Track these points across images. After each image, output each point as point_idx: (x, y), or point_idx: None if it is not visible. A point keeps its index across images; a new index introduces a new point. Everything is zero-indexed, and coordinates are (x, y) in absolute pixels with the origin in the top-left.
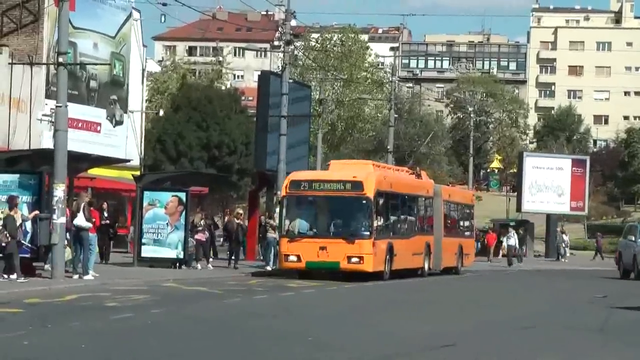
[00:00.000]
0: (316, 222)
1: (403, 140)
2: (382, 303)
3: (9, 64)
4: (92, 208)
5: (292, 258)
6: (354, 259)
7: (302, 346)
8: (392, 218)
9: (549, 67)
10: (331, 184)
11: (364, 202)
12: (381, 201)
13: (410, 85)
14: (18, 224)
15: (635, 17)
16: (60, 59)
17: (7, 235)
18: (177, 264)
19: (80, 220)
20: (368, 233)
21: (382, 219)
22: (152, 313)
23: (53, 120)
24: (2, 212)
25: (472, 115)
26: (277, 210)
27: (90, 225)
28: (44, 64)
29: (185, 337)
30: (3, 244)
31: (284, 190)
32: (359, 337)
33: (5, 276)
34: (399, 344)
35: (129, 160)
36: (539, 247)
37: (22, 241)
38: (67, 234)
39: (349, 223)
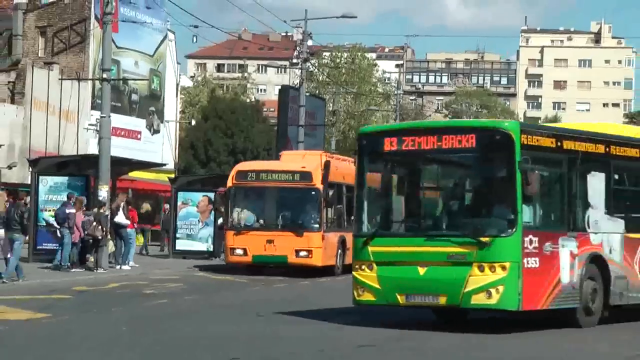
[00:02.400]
0: (264, 214)
1: None
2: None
3: (59, 79)
4: (130, 207)
5: (239, 252)
6: (302, 253)
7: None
8: (345, 210)
9: (536, 82)
10: (279, 174)
11: (313, 193)
12: (332, 192)
13: (413, 98)
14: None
15: (613, 37)
16: (105, 75)
17: (102, 229)
18: (207, 256)
19: (119, 217)
20: (317, 225)
21: (332, 211)
22: (185, 299)
23: (98, 129)
24: (52, 210)
25: None
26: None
27: (128, 222)
28: (90, 79)
29: (214, 320)
30: (99, 237)
31: (231, 180)
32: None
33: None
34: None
35: (164, 164)
36: None
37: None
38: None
39: (298, 215)
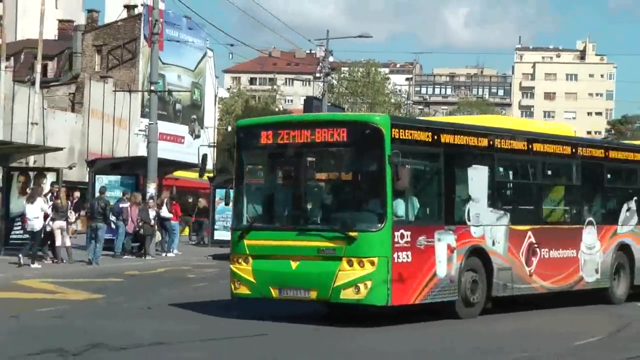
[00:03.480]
0: None
1: None
2: None
3: (113, 91)
4: (173, 202)
5: None
6: None
7: None
8: None
9: (528, 94)
10: None
11: None
12: None
13: (421, 107)
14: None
15: (596, 55)
16: (152, 88)
17: (144, 221)
18: None
19: (164, 211)
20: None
21: None
22: (220, 283)
23: (146, 134)
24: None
25: None
26: None
27: (171, 215)
28: (139, 91)
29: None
30: (141, 232)
31: None
32: None
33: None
34: None
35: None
36: None
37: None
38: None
39: None
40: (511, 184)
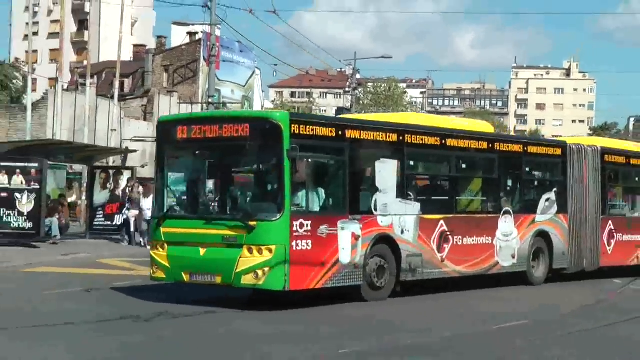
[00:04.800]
0: None
1: None
2: None
3: (178, 103)
4: None
5: None
6: None
7: None
8: None
9: (523, 105)
10: None
11: None
12: None
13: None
14: None
15: (580, 72)
16: (210, 100)
17: None
18: None
19: None
20: None
21: None
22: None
23: None
24: None
25: None
26: None
27: None
28: (199, 103)
29: None
30: None
31: None
32: None
33: None
34: None
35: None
36: None
37: None
38: None
39: None
40: (423, 177)
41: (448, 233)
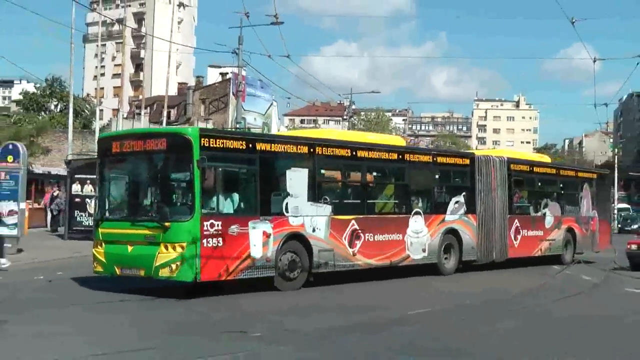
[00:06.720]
0: None
1: None
2: None
3: (212, 128)
4: None
5: None
6: None
7: None
8: None
9: (482, 129)
10: None
11: None
12: None
13: (412, 138)
14: None
15: (527, 104)
16: (237, 126)
17: None
18: None
19: None
20: None
21: None
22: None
23: None
24: None
25: None
26: None
27: None
28: (229, 129)
29: None
30: None
31: None
32: None
33: None
34: None
35: None
36: None
37: None
38: None
39: None
40: (335, 183)
41: (359, 231)
